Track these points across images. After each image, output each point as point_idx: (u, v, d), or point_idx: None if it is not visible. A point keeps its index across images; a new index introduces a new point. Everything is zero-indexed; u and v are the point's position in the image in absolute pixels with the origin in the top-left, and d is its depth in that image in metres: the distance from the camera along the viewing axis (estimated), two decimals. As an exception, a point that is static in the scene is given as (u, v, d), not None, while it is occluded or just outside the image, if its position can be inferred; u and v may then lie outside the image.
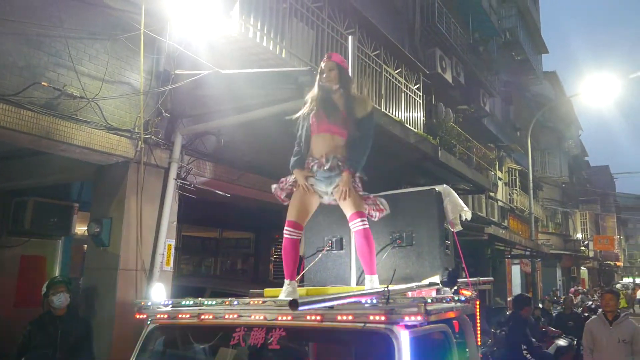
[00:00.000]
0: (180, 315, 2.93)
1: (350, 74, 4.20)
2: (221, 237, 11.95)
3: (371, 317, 2.40)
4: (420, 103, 10.32)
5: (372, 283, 3.23)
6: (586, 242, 30.15)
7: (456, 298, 3.22)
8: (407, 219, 4.06)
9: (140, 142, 5.27)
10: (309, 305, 2.17)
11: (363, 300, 2.40)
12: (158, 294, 3.20)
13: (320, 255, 4.21)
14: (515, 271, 20.80)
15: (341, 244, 4.24)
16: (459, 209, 4.10)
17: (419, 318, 2.33)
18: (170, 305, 3.02)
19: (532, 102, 23.44)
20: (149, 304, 3.09)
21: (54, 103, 4.63)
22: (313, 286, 4.02)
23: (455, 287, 3.39)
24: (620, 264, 39.42)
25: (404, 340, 2.33)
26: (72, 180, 7.23)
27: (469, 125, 14.30)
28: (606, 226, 33.72)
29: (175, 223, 5.68)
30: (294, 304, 1.99)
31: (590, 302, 17.38)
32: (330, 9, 7.82)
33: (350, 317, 2.42)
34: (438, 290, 3.33)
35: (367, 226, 3.32)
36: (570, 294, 18.57)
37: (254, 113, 5.26)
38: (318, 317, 2.48)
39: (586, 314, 12.80)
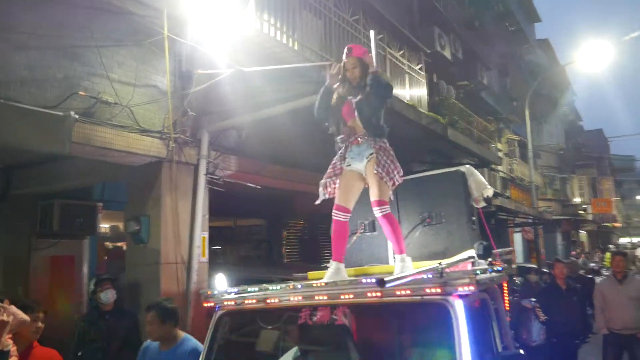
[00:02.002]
0: (247, 301, 3.23)
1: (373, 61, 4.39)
2: (236, 226, 12.28)
3: (427, 290, 2.71)
4: (423, 83, 10.58)
5: (404, 262, 3.42)
6: (584, 206, 30.68)
7: (490, 269, 3.53)
8: (436, 199, 4.37)
9: (170, 142, 5.53)
10: (395, 282, 2.48)
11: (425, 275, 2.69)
12: (221, 283, 3.49)
13: (354, 238, 4.50)
14: (517, 239, 21.28)
15: (373, 226, 4.54)
16: (482, 187, 4.41)
17: (471, 288, 2.64)
18: (237, 293, 3.31)
19: (526, 71, 23.67)
20: (215, 292, 3.39)
21: (91, 111, 4.88)
22: (351, 267, 4.33)
23: (490, 259, 3.71)
24: (617, 225, 40.08)
25: (459, 309, 2.65)
26: (97, 182, 7.49)
27: (469, 100, 14.56)
28: (603, 189, 34.25)
29: (207, 216, 5.97)
30: (381, 282, 2.29)
31: (593, 264, 17.91)
32: (335, -3, 8.02)
33: (408, 292, 2.73)
34: (473, 263, 3.63)
35: (388, 211, 3.54)
36: (572, 257, 19.10)
37: (276, 108, 5.53)
38: (379, 294, 2.79)
39: (590, 276, 13.26)
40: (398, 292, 2.75)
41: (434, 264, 3.39)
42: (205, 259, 5.83)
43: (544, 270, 12.68)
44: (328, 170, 3.78)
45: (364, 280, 2.90)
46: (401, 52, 10.02)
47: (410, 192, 4.43)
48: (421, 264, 3.52)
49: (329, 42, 7.75)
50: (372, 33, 4.51)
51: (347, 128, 3.74)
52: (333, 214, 3.68)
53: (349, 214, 3.73)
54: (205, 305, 3.38)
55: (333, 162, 3.81)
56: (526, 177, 19.10)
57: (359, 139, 3.67)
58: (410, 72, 10.11)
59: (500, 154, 17.94)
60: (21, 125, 4.24)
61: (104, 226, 9.34)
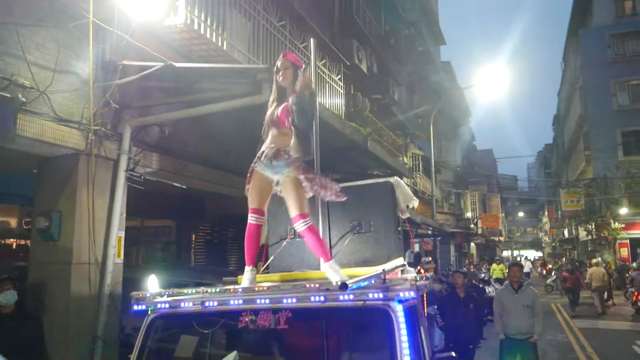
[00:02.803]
0: (182, 304, 3.13)
1: (311, 74, 4.47)
2: (142, 226, 11.73)
3: (370, 295, 2.81)
4: (342, 93, 10.88)
5: (333, 268, 3.34)
6: (475, 220, 33.12)
7: (418, 277, 3.73)
8: (365, 208, 4.51)
9: (90, 134, 5.19)
10: (356, 285, 2.53)
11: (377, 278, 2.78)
12: (153, 285, 3.34)
13: (284, 243, 4.52)
14: (416, 250, 22.45)
15: (304, 231, 4.60)
16: (408, 198, 4.64)
17: (412, 293, 2.78)
18: (171, 295, 3.19)
19: (432, 91, 25.13)
20: (147, 294, 3.24)
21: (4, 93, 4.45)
22: (279, 272, 4.35)
23: (419, 267, 3.90)
24: (502, 238, 43.72)
25: (400, 313, 2.78)
26: (9, 171, 6.82)
27: (381, 113, 15.19)
28: (492, 205, 37.24)
29: (125, 215, 5.67)
30: (344, 286, 2.33)
31: (482, 274, 19.36)
32: (264, 1, 8.03)
33: (351, 296, 2.81)
34: (402, 271, 3.81)
35: (311, 223, 3.51)
36: (466, 267, 20.50)
37: (209, 107, 5.40)
38: (322, 298, 2.84)
39: (480, 285, 14.38)
40: (341, 297, 2.82)
41: (365, 270, 3.52)
42: (121, 260, 5.53)
43: (442, 279, 13.54)
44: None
45: (307, 285, 2.94)
46: (323, 62, 10.24)
47: (340, 201, 4.54)
48: (350, 270, 3.62)
49: (256, 45, 7.74)
50: (312, 41, 4.56)
51: (273, 133, 3.66)
52: (249, 217, 3.60)
53: (264, 217, 3.69)
54: (135, 308, 3.22)
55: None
56: (427, 190, 20.24)
57: (282, 154, 3.53)
58: (331, 82, 10.36)
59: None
60: None
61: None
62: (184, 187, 6.43)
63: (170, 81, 5.80)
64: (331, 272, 3.29)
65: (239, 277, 4.08)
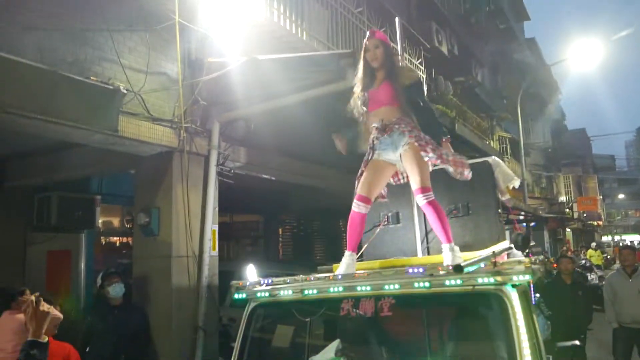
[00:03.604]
0: (282, 292, 3.10)
1: (399, 51, 4.31)
2: (232, 222, 12.11)
3: (480, 280, 2.61)
4: (423, 77, 10.52)
5: (453, 251, 3.23)
6: (570, 204, 31.05)
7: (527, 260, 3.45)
8: (463, 190, 4.26)
9: (182, 132, 5.35)
10: (473, 267, 2.37)
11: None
12: (252, 274, 3.35)
13: (378, 230, 4.39)
14: (507, 236, 21.40)
15: (397, 218, 4.43)
16: (509, 178, 4.32)
17: (527, 277, 2.55)
18: (270, 284, 3.18)
19: (516, 70, 23.81)
20: (247, 283, 3.25)
21: (103, 97, 4.67)
22: (373, 259, 4.22)
23: (527, 251, 3.63)
24: (601, 223, 40.72)
25: (514, 298, 2.55)
26: (98, 173, 7.27)
27: (464, 96, 14.58)
28: (588, 187, 34.73)
29: (217, 209, 5.81)
30: (458, 268, 2.18)
31: (583, 261, 18.10)
32: (341, -12, 7.90)
33: (459, 282, 2.63)
34: (508, 255, 3.55)
35: (432, 198, 3.37)
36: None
37: (288, 98, 5.38)
38: (427, 284, 2.68)
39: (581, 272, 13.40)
40: (447, 282, 2.64)
41: (468, 255, 3.31)
42: (216, 252, 5.68)
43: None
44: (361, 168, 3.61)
45: (410, 270, 2.79)
46: (403, 46, 9.94)
47: (436, 184, 4.33)
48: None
49: (335, 34, 7.64)
50: (397, 20, 4.39)
51: (374, 116, 3.56)
52: (354, 204, 3.51)
53: (370, 206, 3.57)
54: (236, 297, 3.23)
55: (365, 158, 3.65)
56: (517, 174, 19.21)
57: (393, 126, 3.47)
58: (412, 66, 10.05)
59: (492, 151, 18.03)
60: (70, 98, 4.01)
61: (102, 220, 9.12)
62: (273, 178, 6.49)
63: (253, 75, 5.84)
64: (450, 254, 3.13)
65: (334, 265, 4.02)
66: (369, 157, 3.58)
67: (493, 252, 2.79)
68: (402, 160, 3.46)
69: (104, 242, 9.59)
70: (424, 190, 3.28)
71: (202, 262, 5.44)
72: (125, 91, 4.32)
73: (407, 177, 3.55)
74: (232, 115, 5.91)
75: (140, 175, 5.68)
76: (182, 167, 5.38)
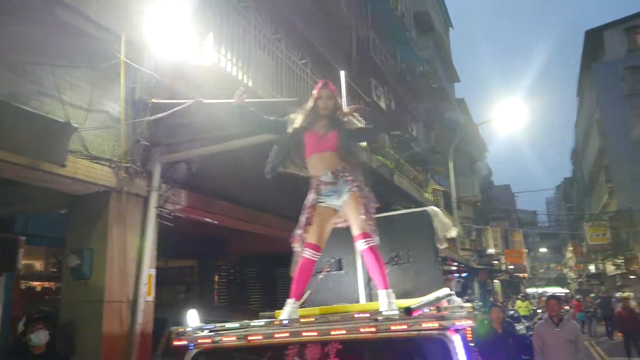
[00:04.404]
0: (225, 339, 3.01)
1: (344, 102, 4.50)
2: (166, 267, 11.65)
3: (424, 325, 2.66)
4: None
5: (389, 297, 3.27)
6: (498, 257, 32.39)
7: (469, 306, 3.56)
8: (403, 238, 4.39)
9: (121, 171, 5.20)
10: (421, 310, 2.40)
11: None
12: (193, 319, 3.23)
13: (321, 276, 4.40)
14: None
15: (340, 264, 4.48)
16: (446, 227, 4.51)
17: (469, 322, 2.63)
18: (213, 330, 3.07)
19: (447, 127, 25.16)
20: (188, 329, 3.13)
21: (39, 132, 4.49)
22: (315, 306, 4.20)
23: (467, 298, 3.74)
24: (526, 275, 42.60)
25: (457, 343, 2.62)
26: (24, 212, 6.86)
27: (401, 149, 15.15)
28: (514, 241, 36.43)
29: (155, 252, 5.61)
30: (408, 311, 2.20)
31: (511, 311, 18.73)
32: (287, 40, 8.18)
33: (404, 326, 2.66)
34: (449, 301, 3.65)
35: (374, 243, 3.44)
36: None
37: (237, 142, 5.40)
38: (373, 329, 2.70)
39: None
40: (393, 327, 2.67)
41: (405, 302, 3.37)
42: (152, 297, 5.43)
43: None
44: (303, 218, 3.60)
45: (356, 315, 2.81)
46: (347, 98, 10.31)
47: (378, 231, 4.44)
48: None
49: (279, 83, 7.83)
50: (342, 73, 4.59)
51: (318, 159, 3.62)
52: (305, 251, 3.51)
53: (320, 254, 3.59)
54: (176, 344, 3.10)
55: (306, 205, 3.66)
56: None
57: (335, 174, 3.55)
58: (352, 119, 10.39)
59: (426, 203, 18.67)
60: (22, 129, 3.79)
61: (25, 262, 8.52)
62: (216, 222, 6.38)
63: (198, 118, 5.83)
64: (386, 300, 3.17)
65: (276, 312, 3.95)
66: (314, 203, 3.62)
67: (437, 297, 2.86)
68: (345, 207, 3.54)
69: (24, 287, 8.93)
70: (365, 235, 3.36)
71: (136, 307, 5.18)
72: (76, 126, 4.17)
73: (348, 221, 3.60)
74: (175, 156, 5.82)
75: (73, 215, 5.41)
76: (120, 208, 5.19)
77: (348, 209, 3.53)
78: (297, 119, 3.76)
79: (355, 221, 3.45)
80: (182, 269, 12.44)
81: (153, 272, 5.49)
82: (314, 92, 3.79)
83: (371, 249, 3.36)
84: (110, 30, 5.18)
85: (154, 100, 5.69)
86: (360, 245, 3.39)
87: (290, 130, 3.73)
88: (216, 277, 12.72)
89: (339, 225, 3.81)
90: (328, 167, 3.57)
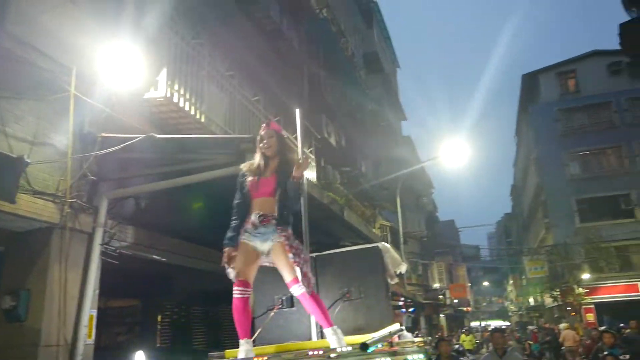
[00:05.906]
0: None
1: (299, 142, 4.57)
2: (106, 307, 11.10)
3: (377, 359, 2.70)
4: (313, 166, 11.04)
5: (336, 333, 3.26)
6: (443, 291, 33.00)
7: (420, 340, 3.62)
8: (354, 274, 4.43)
9: (65, 207, 5.01)
10: (375, 346, 2.42)
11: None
12: (141, 363, 3.11)
13: (272, 314, 4.35)
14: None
15: (292, 301, 4.44)
16: (397, 263, 4.61)
17: (420, 356, 2.69)
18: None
19: (395, 163, 25.81)
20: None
21: (-22, 166, 4.28)
22: (268, 344, 4.15)
23: (417, 333, 3.80)
24: (469, 309, 43.48)
25: (410, 380, 2.67)
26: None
27: (350, 185, 15.41)
28: (458, 275, 37.34)
29: (98, 291, 5.38)
30: (364, 346, 2.23)
31: (456, 345, 19.03)
32: (240, 77, 8.27)
33: (358, 364, 2.69)
34: (399, 336, 3.70)
35: (306, 289, 3.42)
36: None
37: (190, 177, 5.33)
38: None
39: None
40: (350, 365, 2.70)
41: (358, 339, 3.40)
42: (92, 340, 5.17)
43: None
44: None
45: (310, 353, 2.81)
46: (295, 135, 10.45)
47: (329, 268, 4.46)
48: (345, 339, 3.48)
49: (232, 118, 7.86)
50: (297, 111, 4.69)
51: (256, 204, 3.62)
52: (235, 290, 3.48)
53: (250, 289, 3.57)
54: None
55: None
56: (397, 261, 20.18)
57: (270, 219, 3.53)
58: (308, 153, 10.54)
59: (374, 239, 18.91)
60: None
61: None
62: (164, 259, 6.20)
63: (150, 153, 5.74)
64: (334, 337, 3.17)
65: (226, 351, 3.87)
66: (239, 239, 3.59)
67: (389, 332, 2.91)
68: (272, 255, 3.54)
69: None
70: (296, 280, 3.37)
71: (75, 352, 4.91)
72: (28, 160, 4.01)
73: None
74: (123, 192, 5.68)
75: (10, 253, 5.11)
76: (62, 245, 4.97)
77: (276, 257, 3.53)
78: (245, 167, 3.79)
79: (285, 267, 3.46)
80: (123, 309, 11.90)
81: (94, 312, 5.25)
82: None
83: (306, 292, 3.37)
84: (60, 62, 5.08)
85: (103, 134, 5.57)
86: (295, 290, 3.40)
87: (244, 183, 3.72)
88: (159, 317, 12.25)
89: (265, 264, 3.76)
90: (260, 210, 3.57)
